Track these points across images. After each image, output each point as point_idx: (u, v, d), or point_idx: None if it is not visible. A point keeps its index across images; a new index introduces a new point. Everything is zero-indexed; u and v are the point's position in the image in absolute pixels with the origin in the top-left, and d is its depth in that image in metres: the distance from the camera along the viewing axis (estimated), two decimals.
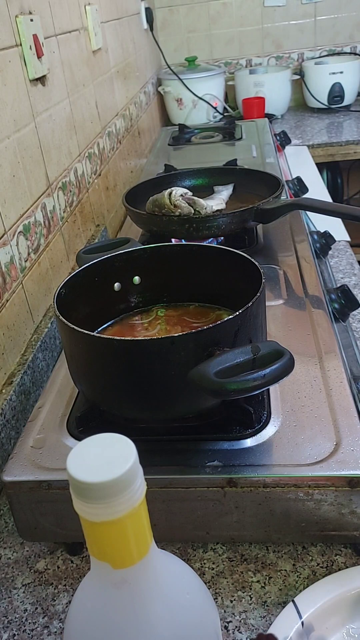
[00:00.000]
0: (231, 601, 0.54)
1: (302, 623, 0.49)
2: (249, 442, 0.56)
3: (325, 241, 1.07)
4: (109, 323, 0.72)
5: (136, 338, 0.53)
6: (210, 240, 0.94)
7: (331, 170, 2.47)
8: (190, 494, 0.54)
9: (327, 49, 2.45)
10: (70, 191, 1.06)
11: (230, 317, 0.52)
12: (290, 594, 0.54)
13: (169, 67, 2.22)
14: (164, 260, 0.72)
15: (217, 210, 0.95)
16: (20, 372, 0.77)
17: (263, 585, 0.55)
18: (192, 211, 0.92)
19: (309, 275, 0.86)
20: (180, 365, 0.51)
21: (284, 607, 0.51)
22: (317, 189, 1.64)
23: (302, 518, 0.54)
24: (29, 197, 0.87)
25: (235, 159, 1.35)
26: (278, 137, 1.80)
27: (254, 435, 0.57)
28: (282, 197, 0.97)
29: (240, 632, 0.52)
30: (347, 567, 0.55)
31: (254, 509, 0.54)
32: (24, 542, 0.63)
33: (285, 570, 0.56)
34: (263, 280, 0.58)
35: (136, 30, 1.86)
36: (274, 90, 2.29)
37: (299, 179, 1.41)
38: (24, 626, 0.55)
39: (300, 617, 0.49)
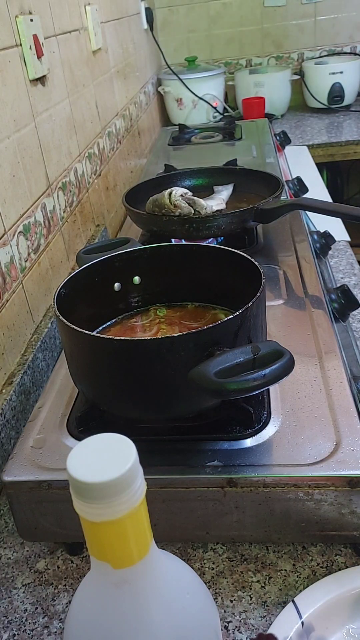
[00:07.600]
0: (231, 601, 0.54)
1: (302, 623, 0.49)
2: (248, 442, 0.56)
3: (325, 241, 1.07)
4: (109, 323, 0.72)
5: (136, 338, 0.53)
6: (210, 240, 0.94)
7: (331, 170, 2.47)
8: (190, 494, 0.54)
9: (327, 49, 2.45)
10: (70, 191, 1.06)
11: (231, 317, 0.52)
12: (290, 594, 0.54)
13: (169, 67, 2.22)
14: (164, 260, 0.72)
15: (217, 210, 0.95)
16: (20, 372, 0.77)
17: (263, 585, 0.55)
18: (192, 211, 0.92)
19: (309, 275, 0.86)
20: (180, 365, 0.51)
21: (284, 607, 0.51)
22: (317, 189, 1.64)
23: (302, 518, 0.54)
24: (29, 197, 0.87)
25: (235, 159, 1.35)
26: (278, 137, 1.80)
27: (253, 435, 0.57)
28: (282, 197, 0.97)
29: (240, 632, 0.52)
30: (347, 567, 0.55)
31: (254, 509, 0.54)
32: (24, 542, 0.63)
33: (285, 570, 0.56)
34: (263, 280, 0.58)
35: (136, 31, 1.86)
36: (274, 90, 2.29)
37: (299, 179, 1.41)
38: (24, 626, 0.55)
39: (300, 617, 0.49)
